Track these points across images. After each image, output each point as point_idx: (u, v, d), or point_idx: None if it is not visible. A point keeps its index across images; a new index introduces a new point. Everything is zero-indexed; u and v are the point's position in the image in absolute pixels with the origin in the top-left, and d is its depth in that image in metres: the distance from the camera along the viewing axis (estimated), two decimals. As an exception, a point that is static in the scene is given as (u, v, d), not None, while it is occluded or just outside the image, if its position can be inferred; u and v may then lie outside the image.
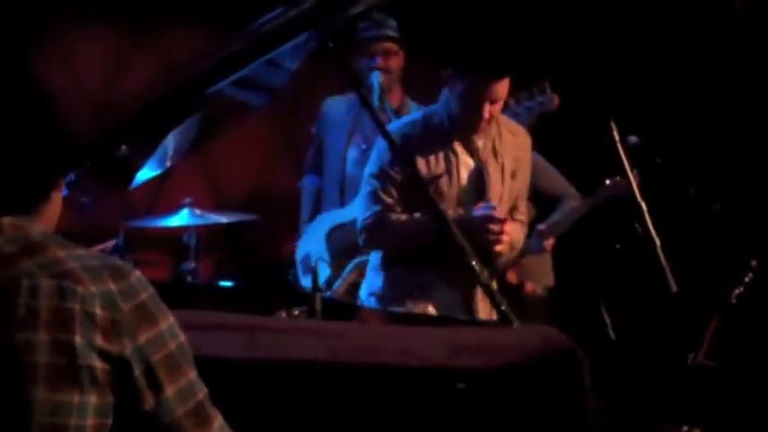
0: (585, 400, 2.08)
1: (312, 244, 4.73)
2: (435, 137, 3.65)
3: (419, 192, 3.35)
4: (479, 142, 3.67)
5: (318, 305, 2.79)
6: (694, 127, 5.71)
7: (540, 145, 4.57)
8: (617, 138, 3.73)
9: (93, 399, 1.66)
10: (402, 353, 2.07)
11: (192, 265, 4.89)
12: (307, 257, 4.77)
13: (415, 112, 3.97)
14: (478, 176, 3.67)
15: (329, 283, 4.02)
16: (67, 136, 1.81)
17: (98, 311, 1.68)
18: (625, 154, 3.78)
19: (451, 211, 3.57)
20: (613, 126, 3.77)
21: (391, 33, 4.67)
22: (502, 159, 3.71)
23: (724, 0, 5.89)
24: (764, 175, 5.37)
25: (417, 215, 3.59)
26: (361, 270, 4.31)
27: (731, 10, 5.90)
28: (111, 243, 4.72)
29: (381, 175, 3.65)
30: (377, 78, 4.55)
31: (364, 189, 3.71)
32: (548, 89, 4.47)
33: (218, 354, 2.12)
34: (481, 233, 3.52)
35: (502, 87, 3.57)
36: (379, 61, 4.63)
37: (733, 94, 5.77)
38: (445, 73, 3.63)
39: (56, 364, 1.64)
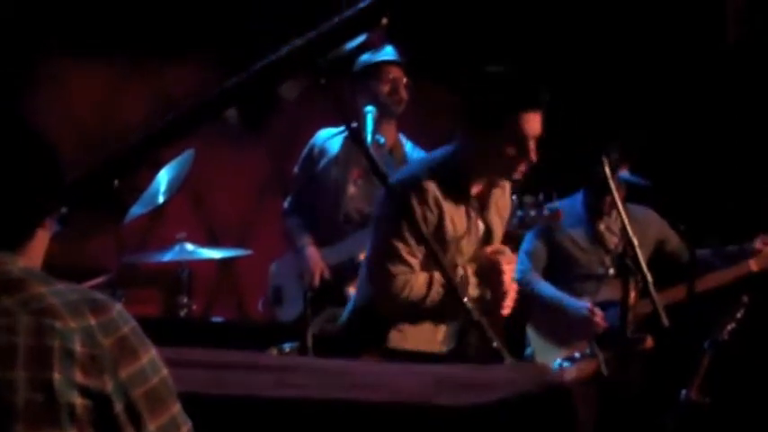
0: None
1: (287, 277, 4.73)
2: (455, 190, 3.49)
3: (433, 256, 3.15)
4: (491, 195, 3.61)
5: (310, 342, 2.79)
6: (687, 162, 5.73)
7: (531, 177, 4.59)
8: (609, 173, 3.74)
9: None
10: (391, 390, 2.07)
11: (185, 300, 4.88)
12: (279, 289, 4.77)
13: (424, 156, 3.82)
14: (487, 235, 3.63)
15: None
16: (55, 174, 1.81)
17: (77, 348, 1.67)
18: (616, 189, 3.79)
19: (461, 268, 3.51)
20: (605, 161, 3.78)
21: (402, 60, 4.64)
22: (501, 214, 3.69)
23: (716, 29, 5.93)
24: (758, 207, 5.39)
25: (436, 278, 3.45)
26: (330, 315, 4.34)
27: (723, 38, 5.94)
28: (103, 278, 4.72)
29: (405, 234, 3.42)
30: (372, 114, 4.51)
31: (382, 250, 3.48)
32: (555, 201, 4.47)
33: (210, 391, 2.11)
34: (500, 277, 3.53)
35: (538, 120, 3.43)
36: (401, 90, 4.58)
37: (729, 125, 5.80)
38: (468, 123, 3.49)
39: (35, 401, 1.64)
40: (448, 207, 3.46)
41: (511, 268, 3.57)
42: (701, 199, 5.46)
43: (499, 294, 3.54)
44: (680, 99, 5.83)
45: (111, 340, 1.70)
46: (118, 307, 1.76)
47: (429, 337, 3.59)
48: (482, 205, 3.59)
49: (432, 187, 3.44)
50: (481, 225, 3.60)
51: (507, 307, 3.58)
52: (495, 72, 3.50)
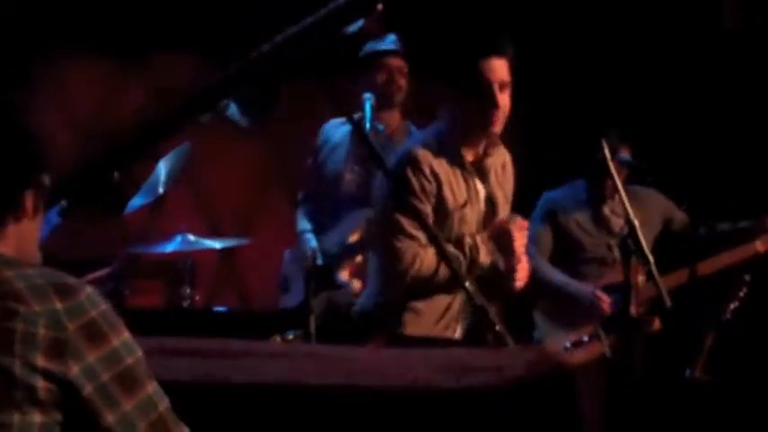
0: (579, 420, 2.08)
1: (292, 264, 4.75)
2: (449, 158, 3.51)
3: (423, 225, 3.19)
4: (489, 165, 3.60)
5: (313, 329, 2.79)
6: (686, 144, 5.73)
7: (531, 163, 4.60)
8: (608, 156, 3.73)
9: (37, 418, 1.67)
10: (394, 374, 2.08)
11: (188, 290, 4.89)
12: (287, 277, 4.79)
13: (419, 132, 3.86)
14: (489, 204, 3.62)
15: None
16: (28, 158, 1.81)
17: (40, 331, 1.68)
18: (617, 171, 3.79)
19: (469, 238, 3.49)
20: (605, 144, 3.78)
21: (401, 50, 4.65)
22: (503, 188, 3.68)
23: (714, 15, 5.92)
24: (757, 189, 5.39)
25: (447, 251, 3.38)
26: (330, 297, 4.34)
27: (721, 25, 5.93)
28: (106, 270, 4.73)
29: (407, 208, 3.40)
30: (369, 101, 4.53)
31: (387, 227, 3.47)
32: None
33: (214, 380, 2.12)
34: (511, 244, 3.51)
35: (503, 67, 3.47)
36: (398, 79, 4.60)
37: (726, 110, 5.79)
38: (443, 88, 3.56)
39: None
40: (444, 175, 3.47)
41: (522, 235, 3.55)
42: (703, 184, 5.45)
43: (511, 262, 3.53)
44: (678, 83, 5.83)
45: (76, 324, 1.70)
46: (87, 291, 1.75)
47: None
48: (481, 173, 3.59)
49: (425, 157, 3.46)
50: (482, 193, 3.59)
51: (521, 279, 3.57)
52: (452, 27, 3.54)
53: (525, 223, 3.60)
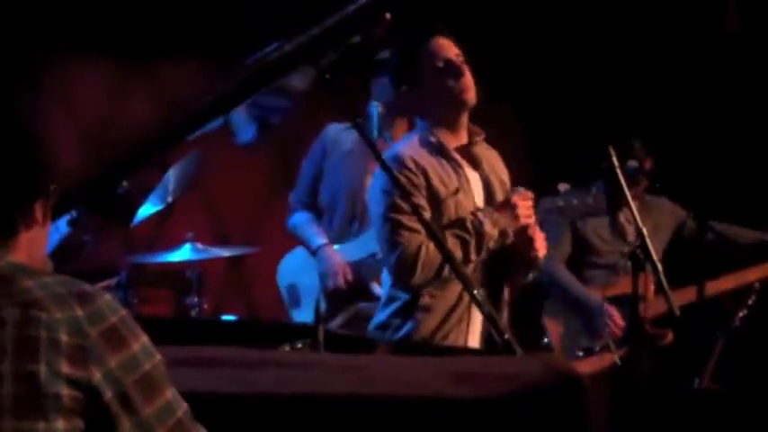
0: (587, 429, 2.08)
1: (301, 274, 4.70)
2: (436, 152, 3.55)
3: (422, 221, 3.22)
4: (480, 154, 3.62)
5: (322, 338, 2.79)
6: (694, 151, 5.72)
7: (538, 169, 4.60)
8: (616, 163, 3.73)
9: (60, 425, 1.66)
10: (401, 384, 2.08)
11: (195, 299, 4.89)
12: (293, 287, 4.74)
13: (405, 137, 3.88)
14: (486, 188, 3.63)
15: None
16: (37, 164, 1.81)
17: (64, 338, 1.68)
18: (624, 179, 3.78)
19: (470, 215, 3.50)
20: (612, 152, 3.78)
21: None
22: (497, 175, 3.70)
23: (717, 18, 5.92)
24: (763, 197, 5.38)
25: (450, 234, 3.45)
26: (357, 312, 4.32)
27: (724, 28, 5.92)
28: (114, 280, 4.74)
29: (399, 204, 3.43)
30: (375, 109, 4.51)
31: (386, 228, 3.47)
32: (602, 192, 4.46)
33: (222, 390, 2.12)
34: (518, 215, 3.51)
35: (450, 45, 3.58)
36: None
37: (733, 117, 5.79)
38: (411, 91, 3.60)
39: (21, 393, 1.65)
40: (430, 167, 3.51)
41: (526, 205, 3.55)
42: (707, 187, 5.45)
43: (518, 228, 3.52)
44: (681, 87, 5.83)
45: (97, 331, 1.71)
46: (106, 297, 1.76)
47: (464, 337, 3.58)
48: (472, 162, 3.61)
49: (406, 154, 3.51)
50: (475, 180, 3.61)
51: (541, 248, 3.57)
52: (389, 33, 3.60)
53: (529, 193, 3.61)
